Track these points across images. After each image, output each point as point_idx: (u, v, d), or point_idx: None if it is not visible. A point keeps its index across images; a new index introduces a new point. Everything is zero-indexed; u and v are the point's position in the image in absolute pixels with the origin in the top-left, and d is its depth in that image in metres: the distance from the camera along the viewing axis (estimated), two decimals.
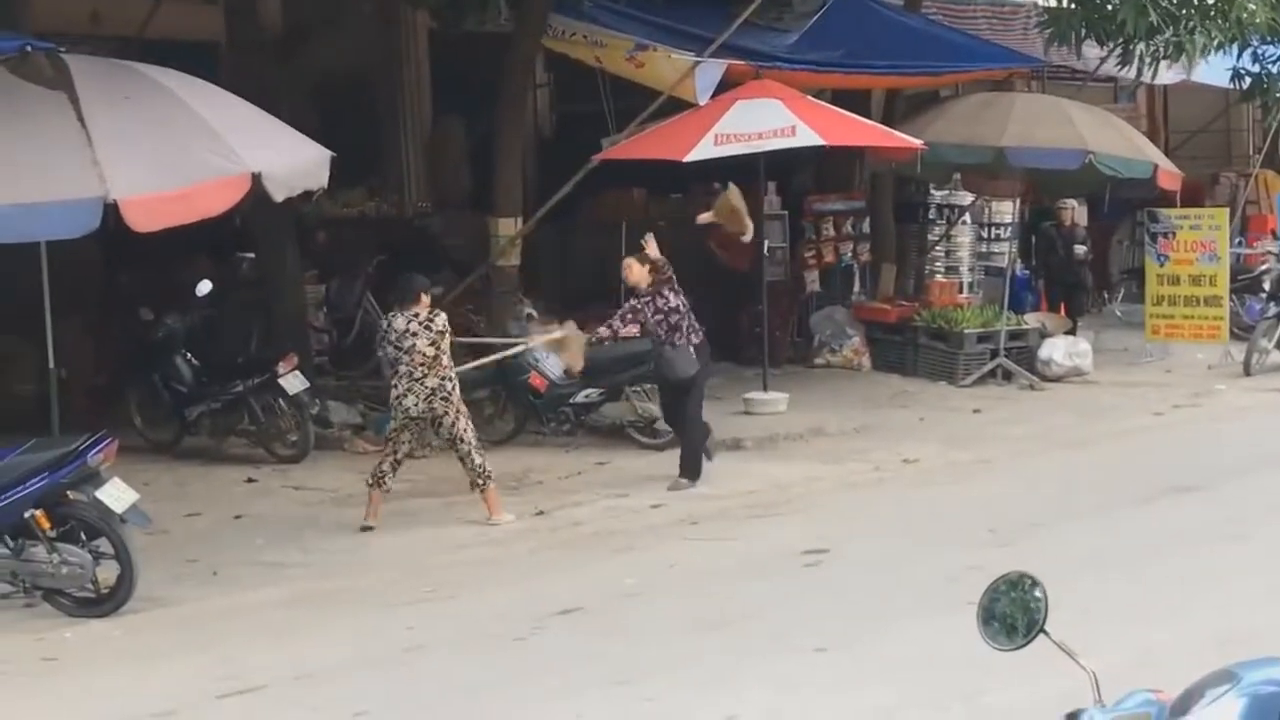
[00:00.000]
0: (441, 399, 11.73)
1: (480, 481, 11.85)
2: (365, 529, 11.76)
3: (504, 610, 9.69)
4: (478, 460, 11.82)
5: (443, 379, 11.77)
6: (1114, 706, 3.24)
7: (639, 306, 13.11)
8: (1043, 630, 3.49)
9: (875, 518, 12.20)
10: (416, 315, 11.78)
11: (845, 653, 8.35)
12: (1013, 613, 3.55)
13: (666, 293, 13.08)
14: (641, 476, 13.47)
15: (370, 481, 11.89)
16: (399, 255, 18.08)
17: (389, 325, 11.90)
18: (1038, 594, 3.51)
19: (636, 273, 13.22)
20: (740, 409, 15.91)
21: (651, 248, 13.45)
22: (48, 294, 10.87)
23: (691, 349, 13.10)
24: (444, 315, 11.97)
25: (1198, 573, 9.76)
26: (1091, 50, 18.72)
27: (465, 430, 11.82)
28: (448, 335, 11.86)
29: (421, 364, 11.69)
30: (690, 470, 13.05)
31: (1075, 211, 20.24)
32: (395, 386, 11.84)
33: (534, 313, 15.59)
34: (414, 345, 11.68)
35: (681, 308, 13.13)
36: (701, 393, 13.33)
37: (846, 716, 7.40)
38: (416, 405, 11.71)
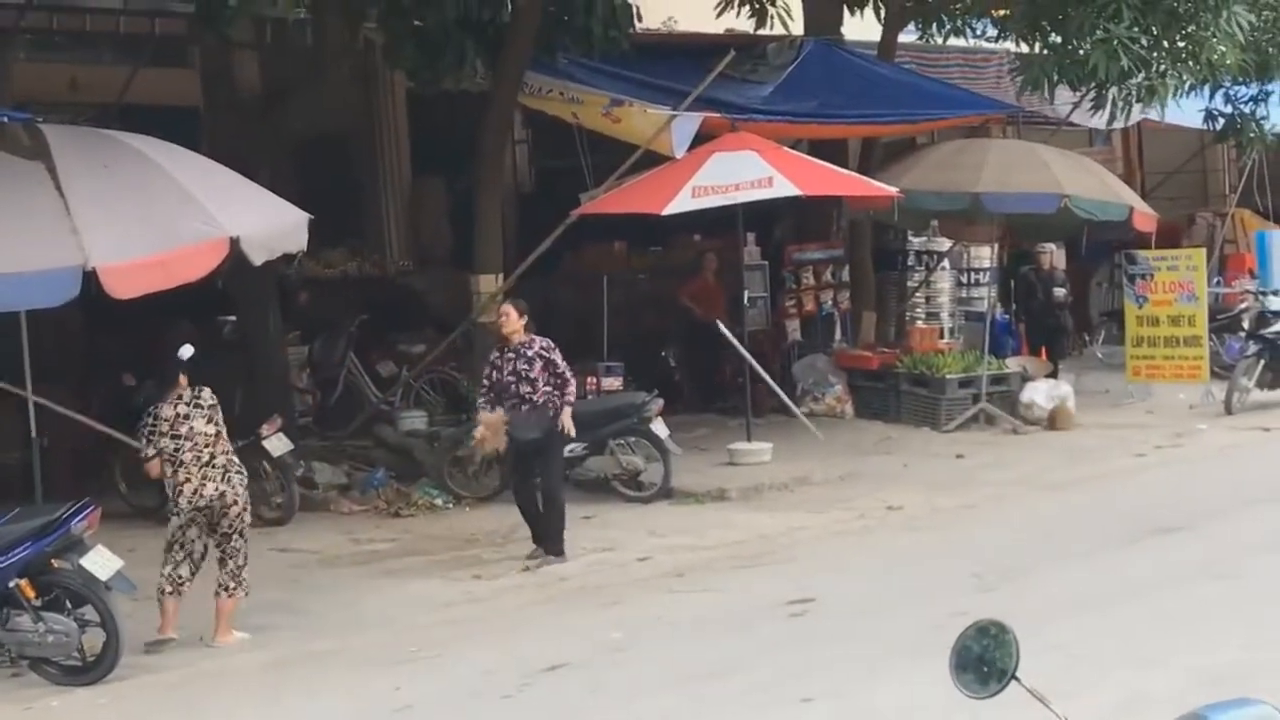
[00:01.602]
0: (236, 472, 10.61)
1: (230, 586, 10.61)
2: (159, 643, 10.47)
3: (491, 668, 9.68)
4: (243, 564, 10.66)
5: (229, 455, 10.65)
6: None
7: (497, 362, 12.67)
8: (1014, 677, 3.51)
9: (861, 566, 12.21)
10: (181, 397, 10.64)
11: (833, 702, 8.35)
12: (985, 660, 3.58)
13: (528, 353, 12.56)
14: (627, 530, 13.48)
15: (164, 590, 10.54)
16: (381, 314, 18.14)
17: (156, 417, 10.60)
18: (1009, 640, 3.54)
19: (513, 322, 12.62)
20: (725, 460, 15.94)
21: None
22: (28, 362, 10.88)
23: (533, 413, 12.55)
24: (209, 389, 10.77)
25: (1182, 613, 9.77)
26: (1064, 95, 18.86)
27: (245, 524, 10.69)
28: (219, 409, 10.71)
29: (206, 445, 10.51)
30: (556, 544, 12.56)
31: (1054, 255, 20.35)
32: (183, 481, 10.49)
33: None
34: (192, 428, 10.53)
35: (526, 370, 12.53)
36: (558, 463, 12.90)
37: None
38: (216, 487, 10.46)
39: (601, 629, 10.50)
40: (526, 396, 12.47)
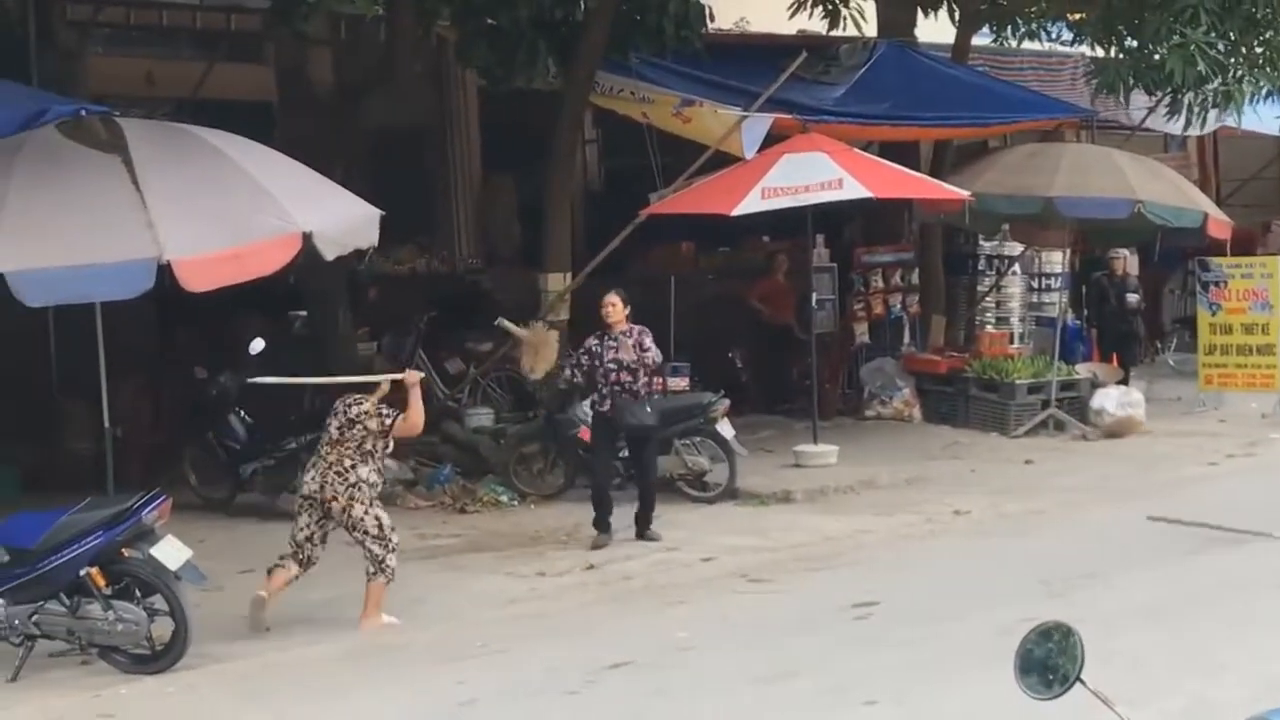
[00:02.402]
0: (335, 473, 10.84)
1: (371, 571, 10.91)
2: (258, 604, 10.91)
3: (555, 664, 9.71)
4: (379, 553, 10.91)
5: (340, 458, 10.86)
6: None
7: (595, 349, 13.04)
8: (1079, 680, 3.50)
9: (926, 570, 12.16)
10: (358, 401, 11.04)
11: (896, 706, 8.33)
12: (1050, 662, 3.57)
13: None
14: (692, 530, 13.48)
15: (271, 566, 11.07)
16: (450, 311, 18.22)
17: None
18: (1073, 643, 3.53)
19: (618, 311, 13.10)
20: (791, 461, 15.91)
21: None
22: (102, 354, 11.00)
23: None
24: (361, 405, 10.97)
25: (1249, 622, 9.68)
26: (1140, 100, 18.73)
27: (356, 519, 10.88)
28: (358, 425, 10.90)
29: (325, 442, 10.96)
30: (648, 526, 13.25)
31: (1127, 261, 20.19)
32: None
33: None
34: (325, 423, 11.09)
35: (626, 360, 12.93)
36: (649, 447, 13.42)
37: None
38: (316, 479, 10.91)
39: (666, 628, 10.51)
40: (627, 385, 12.92)
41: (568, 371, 13.54)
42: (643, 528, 13.20)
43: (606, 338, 13.01)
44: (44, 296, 10.26)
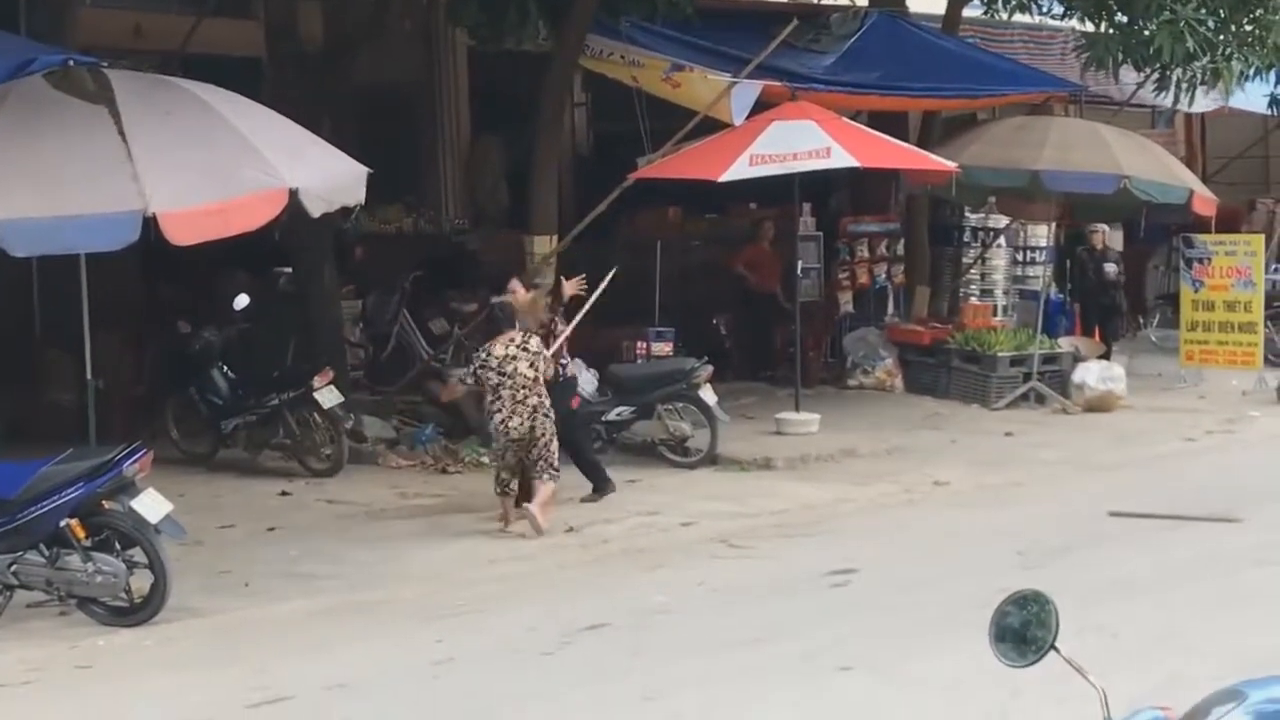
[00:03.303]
0: (544, 415, 12.07)
1: (544, 474, 12.16)
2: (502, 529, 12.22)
3: (533, 625, 9.74)
4: (551, 459, 12.20)
5: (541, 398, 12.10)
6: None
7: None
8: (1054, 647, 3.53)
9: (904, 539, 12.22)
10: (513, 339, 12.09)
11: (871, 673, 8.38)
12: (1023, 630, 3.59)
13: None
14: (672, 495, 13.52)
15: (497, 491, 12.31)
16: (435, 271, 18.22)
17: (488, 354, 12.10)
18: (1048, 611, 3.56)
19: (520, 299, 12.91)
20: (772, 429, 15.95)
21: (569, 286, 13.59)
22: (86, 306, 10.98)
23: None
24: (537, 338, 12.30)
25: (1226, 597, 9.75)
26: (1129, 75, 18.73)
27: (550, 448, 12.16)
28: (543, 355, 12.21)
29: (524, 386, 11.99)
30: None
31: (1107, 235, 20.24)
32: (499, 411, 12.04)
33: (565, 328, 15.64)
34: (515, 369, 11.99)
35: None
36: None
37: None
38: (520, 426, 12.01)
39: (644, 592, 10.56)
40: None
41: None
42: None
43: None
44: (28, 247, 10.23)
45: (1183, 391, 18.92)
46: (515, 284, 13.17)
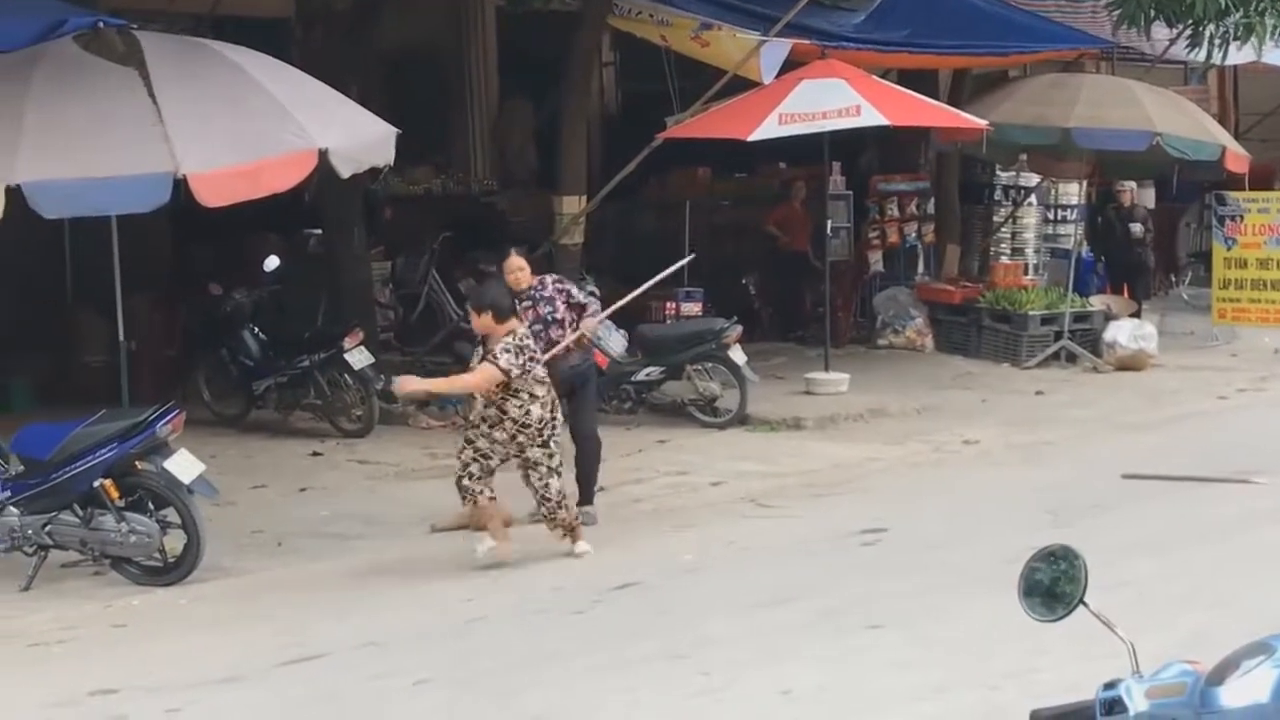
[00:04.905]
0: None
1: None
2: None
3: (563, 584, 9.79)
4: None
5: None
6: (1151, 676, 3.29)
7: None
8: (1082, 602, 3.53)
9: (934, 498, 12.22)
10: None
11: (900, 631, 8.40)
12: (1052, 585, 3.60)
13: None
14: (701, 455, 13.54)
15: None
16: (464, 232, 18.23)
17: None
18: (1077, 566, 3.56)
19: (528, 273, 11.44)
20: (801, 389, 15.94)
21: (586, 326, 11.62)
22: (118, 267, 11.03)
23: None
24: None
25: (1255, 556, 9.73)
26: (1161, 32, 18.59)
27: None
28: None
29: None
30: (588, 492, 11.57)
31: (1134, 193, 20.15)
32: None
33: (596, 290, 15.65)
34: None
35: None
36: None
37: (900, 694, 7.45)
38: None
39: (673, 551, 10.59)
40: (558, 340, 11.25)
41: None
42: (584, 495, 11.42)
43: (519, 301, 11.11)
44: (60, 208, 10.28)
45: (1215, 350, 18.85)
46: (517, 257, 11.51)
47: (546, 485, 10.26)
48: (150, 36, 11.16)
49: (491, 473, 10.30)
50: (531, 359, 10.11)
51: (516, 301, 11.16)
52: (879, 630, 8.42)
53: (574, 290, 11.63)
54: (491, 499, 10.27)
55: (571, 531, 10.49)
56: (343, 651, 8.55)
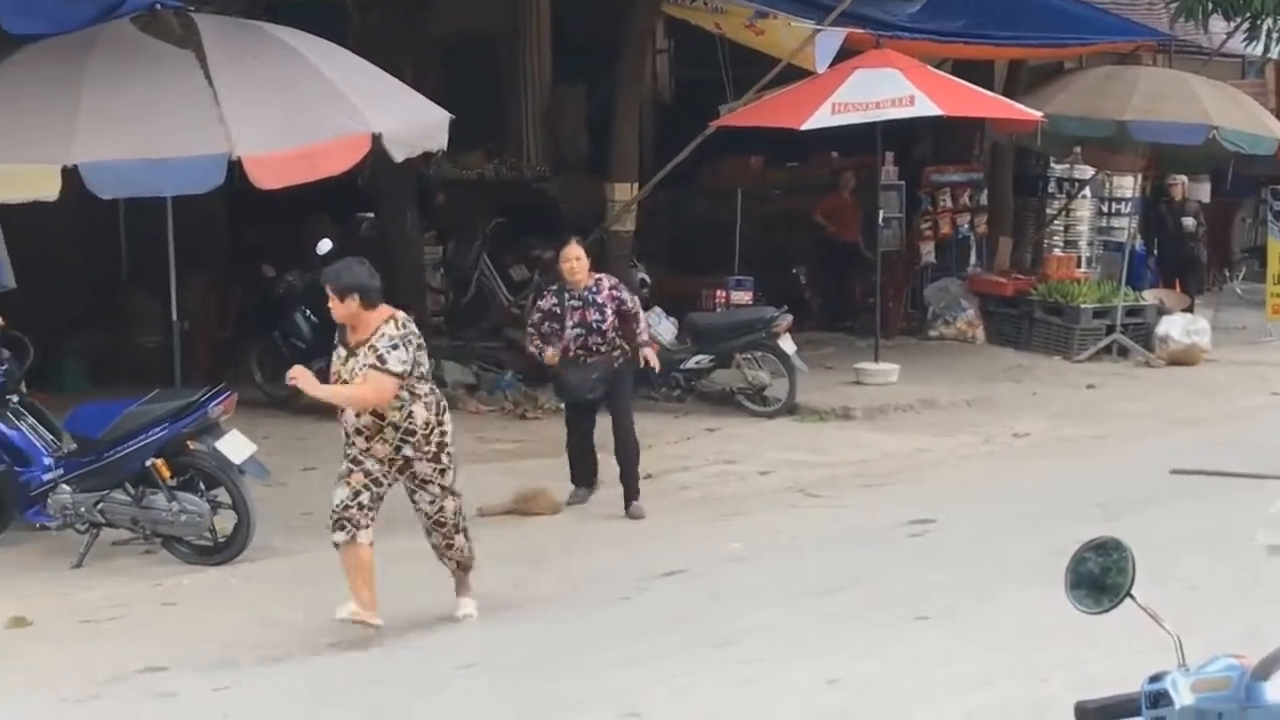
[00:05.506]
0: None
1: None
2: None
3: (609, 571, 9.81)
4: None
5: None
6: (1197, 669, 3.27)
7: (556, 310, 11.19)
8: (1130, 595, 3.52)
9: (983, 490, 12.18)
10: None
11: (947, 622, 8.37)
12: (1100, 577, 3.58)
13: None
14: (750, 444, 13.52)
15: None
16: (516, 218, 18.26)
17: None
18: (1125, 558, 3.54)
19: (584, 267, 11.20)
20: (851, 379, 15.92)
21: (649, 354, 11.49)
22: (172, 248, 11.10)
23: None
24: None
25: None
26: (1218, 25, 18.46)
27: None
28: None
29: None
30: (635, 485, 11.34)
31: (1186, 186, 20.06)
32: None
33: (646, 278, 15.67)
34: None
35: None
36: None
37: (946, 685, 7.42)
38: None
39: (721, 539, 10.59)
40: (595, 348, 11.08)
41: (530, 348, 11.53)
42: (629, 491, 11.27)
43: (569, 296, 11.07)
44: (115, 189, 10.36)
45: (1268, 345, 18.71)
46: (576, 246, 11.34)
47: (441, 509, 8.69)
48: (207, 19, 11.23)
49: (380, 501, 8.60)
50: (420, 348, 8.49)
51: (566, 296, 11.12)
52: (926, 621, 8.39)
53: (628, 298, 11.23)
54: (370, 545, 8.53)
55: (464, 576, 8.87)
56: (390, 634, 8.58)
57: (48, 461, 10.50)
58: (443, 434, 8.59)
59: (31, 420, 10.73)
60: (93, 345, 14.99)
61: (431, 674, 7.94)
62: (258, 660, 8.20)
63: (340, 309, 8.46)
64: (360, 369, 8.31)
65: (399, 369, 8.27)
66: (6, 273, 12.28)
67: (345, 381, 8.44)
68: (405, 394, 8.35)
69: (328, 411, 14.32)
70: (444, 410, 8.63)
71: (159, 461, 10.00)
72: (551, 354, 11.20)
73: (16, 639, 8.82)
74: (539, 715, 7.31)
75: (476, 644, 8.40)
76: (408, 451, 8.46)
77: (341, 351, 8.52)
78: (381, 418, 8.37)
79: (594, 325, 11.05)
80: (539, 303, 11.60)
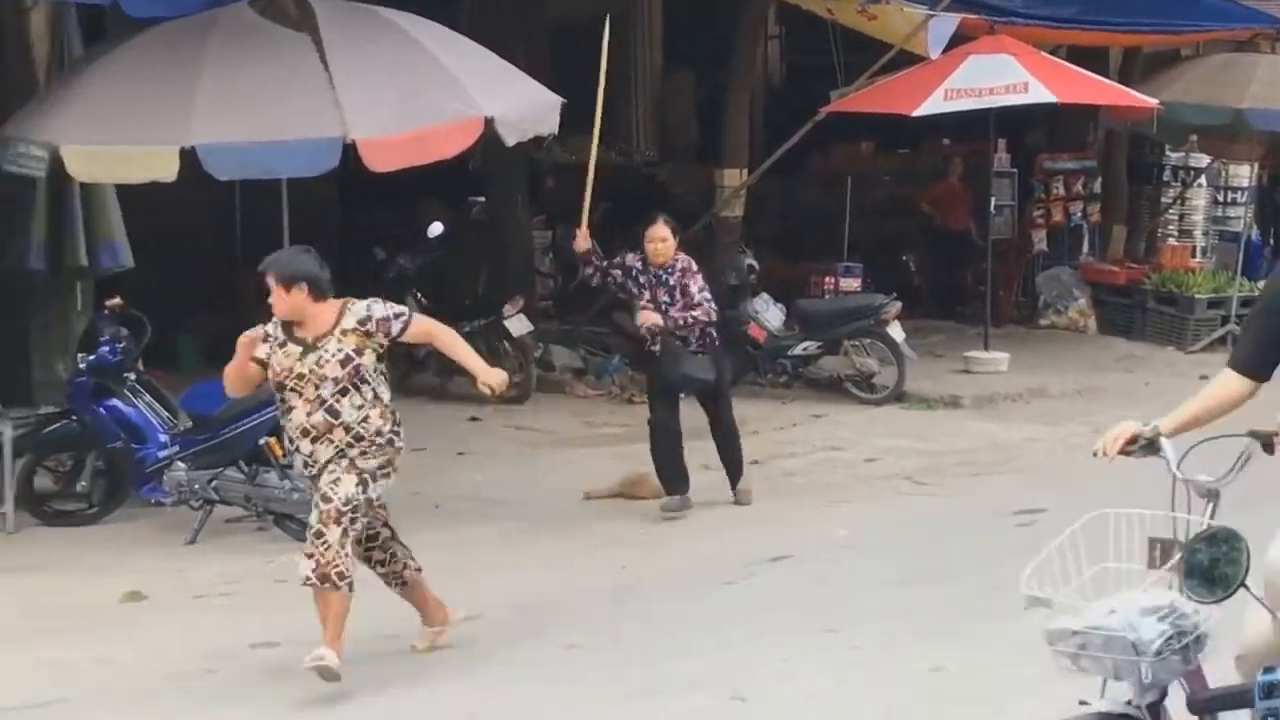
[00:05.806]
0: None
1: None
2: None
3: (715, 555, 9.83)
4: None
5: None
6: None
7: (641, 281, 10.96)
8: (1244, 585, 3.50)
9: (1093, 481, 11.94)
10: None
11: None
12: (1213, 567, 3.57)
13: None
14: (857, 430, 13.49)
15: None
16: (625, 203, 18.28)
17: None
18: (1239, 548, 3.53)
19: (670, 249, 10.94)
20: (960, 367, 15.82)
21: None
22: (287, 230, 11.23)
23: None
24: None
25: None
26: None
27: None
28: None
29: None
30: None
31: None
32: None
33: (755, 264, 15.63)
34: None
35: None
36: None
37: (1050, 677, 7.36)
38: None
39: (826, 526, 10.59)
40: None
41: (589, 270, 11.27)
42: (734, 482, 11.18)
43: (641, 275, 10.95)
44: (231, 170, 10.48)
45: None
46: (663, 226, 11.02)
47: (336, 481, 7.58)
48: (323, 3, 11.31)
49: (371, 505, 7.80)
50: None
51: (641, 274, 10.90)
52: (1032, 611, 8.33)
53: (693, 285, 10.76)
54: (351, 589, 7.65)
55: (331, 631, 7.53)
56: (497, 613, 8.66)
57: (163, 439, 10.71)
58: (393, 440, 7.77)
59: (148, 398, 10.94)
60: (208, 325, 15.16)
61: (539, 652, 8.01)
62: (371, 635, 8.27)
63: (284, 301, 7.54)
64: (331, 358, 7.54)
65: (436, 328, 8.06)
66: (125, 253, 12.51)
67: (302, 377, 7.51)
68: (370, 393, 7.65)
69: (436, 395, 14.62)
70: (398, 420, 7.87)
71: (272, 440, 10.13)
72: (582, 237, 11.14)
73: (132, 613, 8.98)
74: (646, 695, 7.35)
75: (584, 623, 8.45)
76: (353, 455, 7.55)
77: (292, 348, 7.56)
78: (336, 415, 7.54)
79: (662, 306, 10.82)
80: (625, 255, 11.27)
